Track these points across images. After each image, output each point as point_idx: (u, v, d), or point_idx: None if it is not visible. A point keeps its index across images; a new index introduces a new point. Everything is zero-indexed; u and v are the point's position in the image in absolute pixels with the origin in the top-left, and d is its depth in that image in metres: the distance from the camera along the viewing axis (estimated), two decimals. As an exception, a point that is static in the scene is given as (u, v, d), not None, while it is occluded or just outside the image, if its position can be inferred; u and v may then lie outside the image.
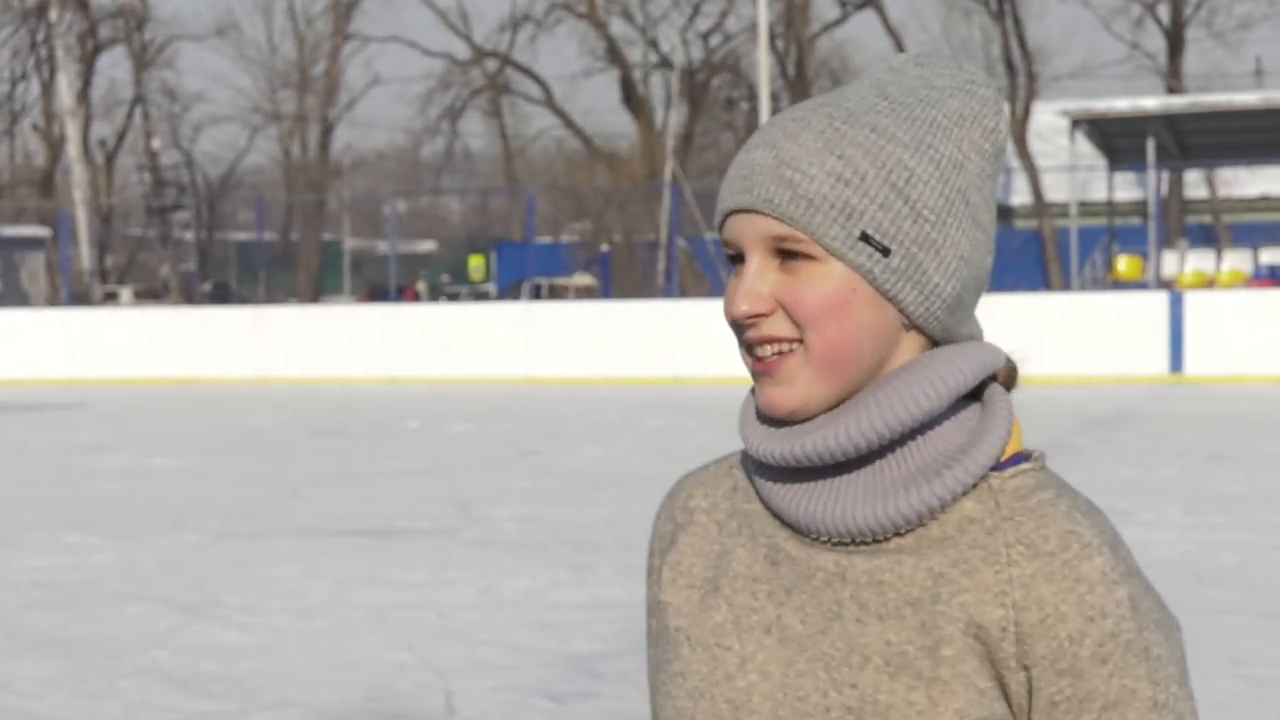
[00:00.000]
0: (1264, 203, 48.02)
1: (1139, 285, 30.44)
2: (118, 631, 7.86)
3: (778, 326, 1.38)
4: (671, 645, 1.48)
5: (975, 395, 1.45)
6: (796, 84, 46.37)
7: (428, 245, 71.96)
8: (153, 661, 7.21)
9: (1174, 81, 44.56)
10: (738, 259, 1.42)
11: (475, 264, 49.89)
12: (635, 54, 51.08)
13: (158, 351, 30.45)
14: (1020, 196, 47.43)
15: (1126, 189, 43.15)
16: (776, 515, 1.46)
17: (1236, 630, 7.43)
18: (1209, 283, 29.90)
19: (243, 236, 59.94)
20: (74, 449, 17.45)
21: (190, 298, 45.11)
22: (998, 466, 1.41)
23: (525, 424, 19.76)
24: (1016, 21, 43.36)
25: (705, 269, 40.02)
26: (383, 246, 63.27)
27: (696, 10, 50.20)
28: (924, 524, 1.39)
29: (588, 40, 50.93)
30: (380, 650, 7.36)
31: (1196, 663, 6.91)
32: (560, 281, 42.18)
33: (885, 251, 1.37)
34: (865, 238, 1.37)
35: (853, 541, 1.41)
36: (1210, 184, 47.05)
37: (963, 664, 1.36)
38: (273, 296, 43.50)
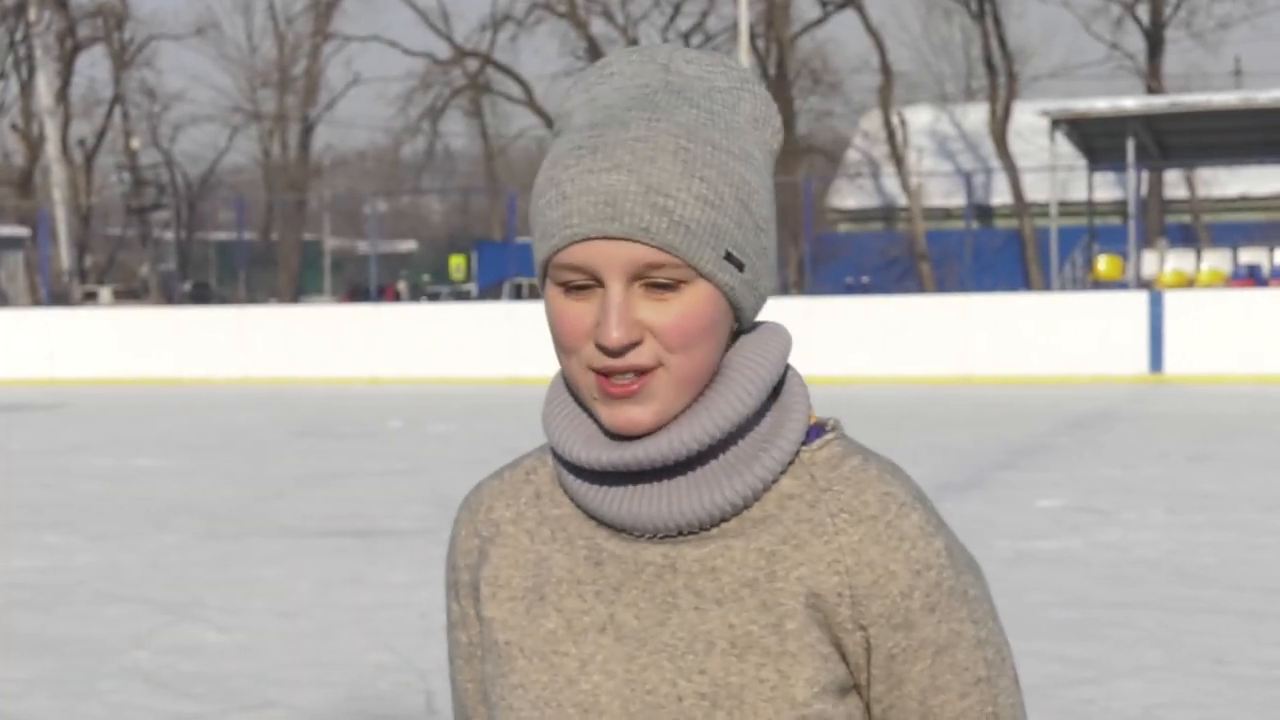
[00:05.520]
0: (1243, 202, 48.17)
1: (1119, 285, 30.51)
2: (100, 632, 7.84)
3: (643, 356, 1.39)
4: (504, 659, 1.49)
5: None
6: (777, 84, 46.36)
7: (408, 245, 71.86)
8: (134, 662, 7.20)
9: (1153, 82, 44.65)
10: (580, 283, 1.40)
11: (456, 264, 49.83)
12: (616, 54, 50.99)
13: (138, 351, 30.37)
14: (1000, 196, 47.51)
15: (1106, 189, 43.24)
16: (592, 516, 1.47)
17: (1218, 629, 7.45)
18: (1188, 282, 29.99)
19: (223, 236, 59.83)
20: (55, 449, 17.40)
21: (170, 298, 45.01)
22: (805, 439, 1.47)
23: (507, 424, 19.75)
24: (997, 22, 43.42)
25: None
26: (363, 246, 63.18)
27: (677, 10, 50.20)
28: (747, 507, 1.44)
29: (568, 40, 50.87)
30: (362, 651, 7.35)
31: (1178, 662, 6.95)
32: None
33: (741, 267, 1.41)
34: (729, 256, 1.40)
35: (679, 533, 1.44)
36: (1190, 184, 47.17)
37: (806, 635, 1.41)
38: (253, 296, 43.41)
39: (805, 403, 1.47)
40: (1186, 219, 47.57)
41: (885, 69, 44.61)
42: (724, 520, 1.44)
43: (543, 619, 1.47)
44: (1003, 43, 43.30)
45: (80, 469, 15.31)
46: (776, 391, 1.48)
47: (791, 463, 1.45)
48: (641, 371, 1.39)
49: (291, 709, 6.38)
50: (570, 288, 1.40)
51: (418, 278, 60.75)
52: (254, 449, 17.09)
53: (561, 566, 1.48)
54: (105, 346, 30.61)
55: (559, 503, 1.51)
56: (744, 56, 31.30)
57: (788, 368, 1.49)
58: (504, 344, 28.36)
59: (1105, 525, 10.65)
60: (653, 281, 1.38)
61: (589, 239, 1.38)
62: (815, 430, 1.48)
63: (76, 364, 30.63)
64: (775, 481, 1.45)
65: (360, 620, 8.02)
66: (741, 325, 1.46)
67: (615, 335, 1.37)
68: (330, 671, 6.97)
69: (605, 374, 1.40)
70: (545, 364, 28.20)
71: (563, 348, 1.43)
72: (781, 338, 1.48)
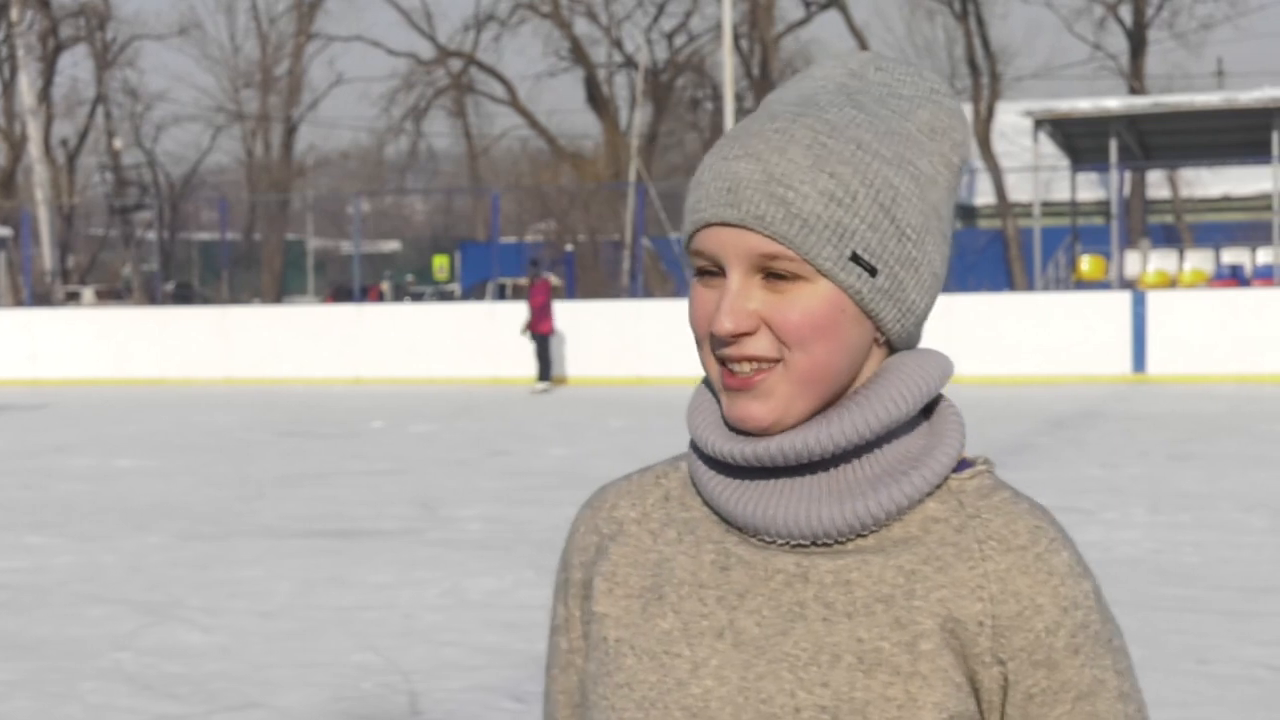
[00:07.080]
0: (1225, 203, 48.29)
1: (1102, 285, 30.56)
2: (81, 633, 7.82)
3: (760, 346, 1.37)
4: (611, 657, 1.45)
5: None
6: (761, 84, 46.37)
7: (392, 245, 71.86)
8: (116, 663, 7.18)
9: (1136, 82, 44.73)
10: (710, 269, 1.40)
11: (439, 264, 49.85)
12: (600, 54, 51.02)
13: (121, 352, 30.31)
14: (983, 197, 47.58)
15: (1089, 189, 43.33)
16: (724, 520, 1.44)
17: (1200, 628, 7.47)
18: (1171, 283, 30.04)
19: (205, 236, 59.77)
20: (37, 450, 17.36)
21: (153, 298, 44.89)
22: (955, 469, 1.43)
23: (490, 424, 19.74)
24: (980, 22, 43.45)
25: (670, 269, 40.03)
26: (347, 246, 63.16)
27: (661, 10, 50.16)
28: (887, 525, 1.40)
29: (552, 40, 50.88)
30: (345, 651, 7.34)
31: (1160, 661, 6.95)
32: (525, 281, 42.14)
33: (873, 271, 1.37)
34: (855, 258, 1.36)
35: (813, 543, 1.40)
36: (1172, 184, 47.28)
37: (940, 658, 1.36)
38: (236, 297, 43.37)
39: (960, 432, 1.44)
40: (1169, 219, 47.68)
41: (869, 69, 44.57)
42: (862, 535, 1.40)
43: (659, 619, 1.43)
44: (986, 43, 43.34)
45: (62, 469, 15.27)
46: (927, 416, 1.46)
47: (939, 488, 1.42)
48: (761, 364, 1.37)
49: (274, 710, 6.37)
50: (703, 274, 1.40)
51: (401, 278, 60.74)
52: (236, 449, 17.05)
53: (684, 569, 1.44)
54: (87, 347, 30.54)
55: (689, 506, 1.48)
56: (727, 57, 31.29)
57: (943, 398, 1.46)
58: (487, 344, 28.34)
59: (1088, 524, 10.67)
60: (773, 272, 1.37)
61: (711, 225, 1.38)
62: (964, 464, 1.44)
63: (58, 364, 30.55)
64: (921, 503, 1.41)
65: (343, 621, 8.01)
66: (888, 337, 1.42)
67: (726, 324, 1.36)
68: (313, 672, 6.96)
69: (725, 364, 1.39)
70: (528, 365, 28.21)
71: (694, 335, 1.43)
72: (941, 361, 1.45)
